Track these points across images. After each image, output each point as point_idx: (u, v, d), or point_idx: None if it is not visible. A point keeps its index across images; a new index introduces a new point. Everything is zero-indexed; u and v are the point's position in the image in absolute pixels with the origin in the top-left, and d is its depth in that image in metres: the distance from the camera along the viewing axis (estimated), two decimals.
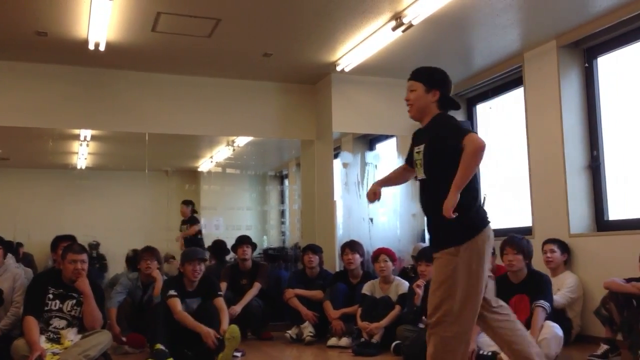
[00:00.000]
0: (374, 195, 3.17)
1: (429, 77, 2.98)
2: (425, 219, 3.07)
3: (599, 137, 5.26)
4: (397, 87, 6.49)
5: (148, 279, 5.14)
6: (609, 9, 4.73)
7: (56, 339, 4.05)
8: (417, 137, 3.04)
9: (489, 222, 2.89)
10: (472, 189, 2.84)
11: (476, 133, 2.81)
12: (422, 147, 2.93)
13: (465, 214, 2.77)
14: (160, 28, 5.05)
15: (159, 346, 4.25)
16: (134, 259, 5.46)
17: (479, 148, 2.71)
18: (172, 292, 4.50)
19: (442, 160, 2.82)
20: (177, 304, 4.44)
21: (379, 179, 3.35)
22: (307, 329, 5.32)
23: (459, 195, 2.71)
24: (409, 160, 3.12)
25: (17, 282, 4.41)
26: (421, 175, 2.95)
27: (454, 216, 2.70)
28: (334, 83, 6.37)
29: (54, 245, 5.00)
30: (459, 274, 2.76)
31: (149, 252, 5.20)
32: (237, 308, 5.38)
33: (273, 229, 7.68)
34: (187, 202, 7.02)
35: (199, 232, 7.02)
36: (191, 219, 6.99)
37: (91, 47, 5.28)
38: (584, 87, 5.37)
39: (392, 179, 3.33)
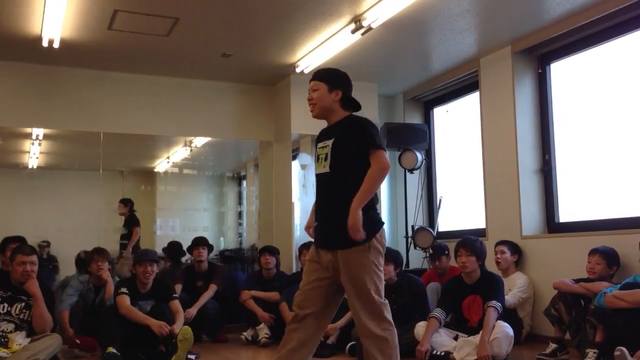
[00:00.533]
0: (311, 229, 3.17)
1: (332, 78, 3.07)
2: (321, 217, 3.01)
3: (551, 141, 5.39)
4: (356, 90, 6.47)
5: (99, 281, 5.04)
6: (562, 16, 4.86)
7: (4, 343, 3.93)
8: (323, 135, 3.08)
9: (383, 221, 3.01)
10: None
11: (385, 151, 2.91)
12: (329, 142, 2.97)
13: (368, 212, 2.85)
14: (116, 26, 4.96)
15: (111, 349, 4.18)
16: (84, 261, 5.34)
17: (385, 168, 2.86)
18: (123, 290, 4.45)
19: (351, 157, 2.90)
20: (125, 300, 4.39)
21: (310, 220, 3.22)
22: (263, 331, 5.30)
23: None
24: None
25: None
26: (323, 169, 2.98)
27: (362, 237, 2.78)
28: (293, 84, 6.37)
29: (2, 246, 4.86)
30: (372, 267, 2.85)
31: (100, 253, 5.10)
32: (193, 311, 5.32)
33: (230, 230, 7.63)
34: (125, 201, 6.82)
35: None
36: (131, 220, 6.79)
37: (45, 43, 5.15)
38: (537, 92, 5.51)
39: None
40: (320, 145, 3.06)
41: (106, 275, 5.04)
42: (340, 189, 2.90)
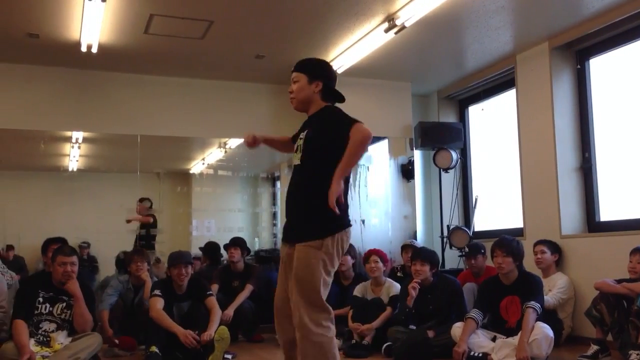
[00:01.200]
0: (253, 141, 3.10)
1: (312, 69, 2.96)
2: (287, 209, 2.91)
3: (591, 138, 5.28)
4: (389, 89, 6.53)
5: (139, 281, 5.12)
6: (601, 10, 4.75)
7: (46, 342, 4.03)
8: (303, 126, 2.98)
9: (350, 224, 2.83)
10: (345, 186, 2.76)
11: (362, 123, 2.75)
12: (304, 134, 2.89)
13: (327, 214, 2.69)
14: (152, 30, 5.04)
15: (154, 349, 4.24)
16: (124, 261, 5.44)
17: (367, 137, 2.69)
18: (156, 292, 4.49)
19: (322, 149, 2.78)
20: (157, 303, 4.43)
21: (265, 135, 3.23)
22: None
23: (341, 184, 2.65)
24: (294, 140, 3.05)
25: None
26: (297, 161, 2.89)
27: (336, 208, 2.61)
28: None
29: (45, 247, 4.97)
30: (320, 267, 2.68)
31: (139, 254, 5.20)
32: (230, 312, 5.36)
33: (265, 230, 7.65)
34: (143, 200, 6.89)
35: (154, 225, 6.81)
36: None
37: (83, 49, 5.26)
38: (576, 88, 5.40)
39: (275, 141, 3.28)
40: (300, 136, 2.94)
41: (145, 276, 5.11)
42: (306, 182, 2.79)
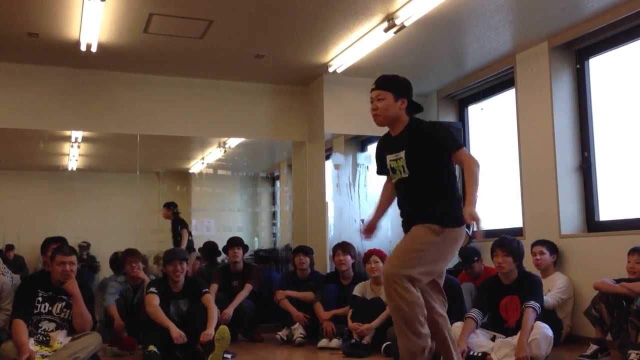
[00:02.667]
0: (370, 232, 3.26)
1: (397, 86, 3.11)
2: (402, 211, 3.15)
3: (590, 138, 5.28)
4: None
5: (135, 281, 5.12)
6: (600, 10, 4.75)
7: (45, 342, 4.03)
8: (391, 145, 3.12)
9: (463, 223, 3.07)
10: (456, 185, 3.09)
11: (465, 148, 3.02)
12: (402, 154, 3.04)
13: (453, 203, 3.02)
14: (152, 29, 5.04)
15: (152, 348, 4.24)
16: (117, 262, 5.43)
17: (477, 162, 2.94)
18: (152, 289, 4.51)
19: (428, 163, 2.99)
20: (153, 299, 4.44)
21: (374, 213, 3.39)
22: (298, 331, 5.31)
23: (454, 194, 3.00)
24: (384, 171, 3.24)
25: (4, 290, 4.27)
26: (402, 175, 3.07)
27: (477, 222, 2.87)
28: (326, 84, 6.37)
29: (44, 247, 4.97)
30: (434, 249, 2.94)
31: (132, 254, 5.19)
32: (229, 311, 5.36)
33: (264, 230, 7.67)
34: (168, 205, 6.95)
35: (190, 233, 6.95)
36: (178, 223, 6.92)
37: (83, 48, 5.26)
38: (575, 88, 5.39)
39: (385, 203, 3.39)
40: (391, 157, 3.10)
41: (142, 275, 5.11)
42: (423, 190, 3.01)
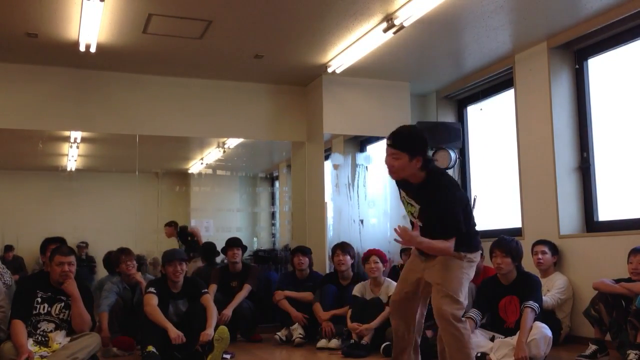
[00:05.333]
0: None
1: (413, 147, 3.13)
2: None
3: (589, 138, 5.28)
4: (388, 89, 6.54)
5: (131, 280, 5.10)
6: (599, 10, 4.75)
7: (44, 342, 4.03)
8: (408, 187, 3.26)
9: (482, 248, 3.38)
10: (467, 222, 3.24)
11: (454, 237, 3.14)
12: (417, 207, 3.22)
13: (468, 238, 3.23)
14: (151, 29, 5.03)
15: (151, 348, 4.23)
16: (111, 261, 5.40)
17: (447, 250, 3.13)
18: (151, 289, 4.50)
19: (435, 222, 3.19)
20: (151, 299, 4.44)
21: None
22: (297, 331, 5.31)
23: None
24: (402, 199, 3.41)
25: None
26: (415, 219, 3.27)
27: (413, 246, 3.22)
28: (325, 85, 6.37)
29: (43, 247, 4.96)
30: (462, 274, 3.20)
31: (125, 253, 5.16)
32: (228, 312, 5.36)
33: (263, 230, 7.66)
34: (169, 224, 6.94)
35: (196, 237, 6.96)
36: (182, 236, 6.93)
37: (82, 48, 5.26)
38: (574, 88, 5.40)
39: None
40: (407, 199, 3.28)
41: (138, 276, 5.10)
42: (437, 237, 3.17)
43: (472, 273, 3.29)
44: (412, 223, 3.30)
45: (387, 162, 3.19)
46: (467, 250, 3.22)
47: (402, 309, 3.42)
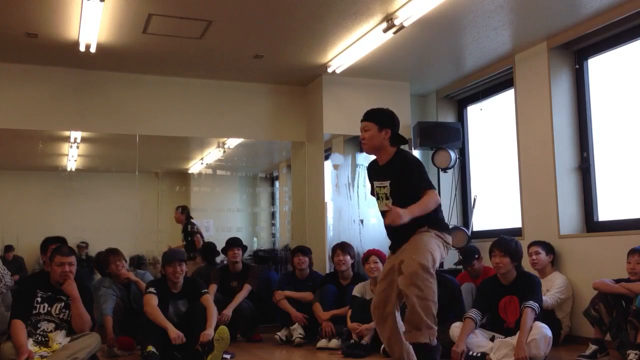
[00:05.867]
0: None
1: (381, 118, 3.40)
2: (389, 237, 3.47)
3: (589, 138, 5.28)
4: (388, 89, 6.53)
5: (122, 280, 5.07)
6: (599, 10, 4.76)
7: (44, 342, 4.03)
8: (377, 173, 3.44)
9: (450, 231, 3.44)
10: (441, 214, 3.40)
11: (435, 189, 3.29)
12: (387, 184, 3.33)
13: (434, 217, 3.31)
14: (151, 30, 5.03)
15: (151, 348, 4.23)
16: (100, 262, 5.38)
17: (436, 202, 3.26)
18: (151, 289, 4.51)
19: (408, 196, 3.25)
20: (152, 299, 4.44)
21: None
22: (297, 331, 5.31)
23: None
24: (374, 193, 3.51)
25: None
26: (384, 203, 3.35)
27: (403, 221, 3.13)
28: (325, 85, 6.37)
29: (44, 247, 4.96)
30: (433, 243, 3.23)
31: (114, 253, 5.12)
32: (228, 312, 5.37)
33: (263, 230, 7.66)
34: (181, 208, 6.96)
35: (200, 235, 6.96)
36: (188, 225, 6.94)
37: (82, 48, 5.26)
38: (574, 88, 5.40)
39: None
40: (377, 184, 3.41)
41: (131, 275, 5.08)
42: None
43: (443, 248, 3.30)
44: (383, 215, 3.33)
45: (360, 137, 3.42)
46: (436, 228, 3.28)
47: (382, 312, 3.42)
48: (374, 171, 3.49)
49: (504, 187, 6.11)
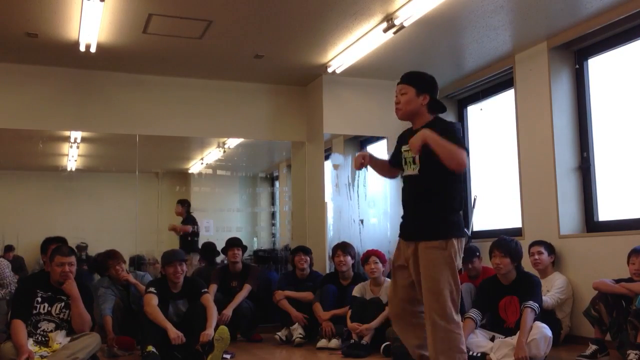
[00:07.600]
0: (363, 160, 3.16)
1: (420, 82, 3.09)
2: (404, 212, 3.16)
3: (589, 138, 5.28)
4: (388, 89, 6.50)
5: (122, 282, 5.07)
6: (600, 10, 4.75)
7: (44, 342, 4.03)
8: (410, 137, 3.05)
9: (466, 233, 3.00)
10: (461, 196, 3.06)
11: (467, 151, 2.97)
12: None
13: (454, 213, 3.02)
14: (151, 30, 5.03)
15: (151, 348, 4.23)
16: (98, 264, 5.37)
17: (462, 163, 2.89)
18: (151, 289, 4.51)
19: (438, 162, 2.90)
20: (152, 299, 4.44)
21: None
22: (297, 331, 5.31)
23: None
24: (394, 162, 3.23)
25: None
26: (412, 171, 3.07)
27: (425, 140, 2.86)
28: (325, 85, 6.37)
29: (44, 247, 4.95)
30: (447, 268, 2.94)
31: (113, 257, 5.09)
32: (228, 312, 5.37)
33: (263, 230, 7.66)
34: (182, 202, 6.98)
35: (194, 234, 6.95)
36: (188, 219, 6.96)
37: (82, 48, 5.26)
38: (574, 88, 5.39)
39: (379, 164, 3.33)
40: (405, 147, 3.09)
41: (131, 278, 5.08)
42: (429, 191, 3.01)
43: (455, 265, 3.00)
44: (405, 181, 3.13)
45: (395, 101, 3.11)
46: (458, 234, 3.00)
47: (406, 321, 3.15)
48: (404, 136, 3.16)
49: (504, 187, 6.11)
